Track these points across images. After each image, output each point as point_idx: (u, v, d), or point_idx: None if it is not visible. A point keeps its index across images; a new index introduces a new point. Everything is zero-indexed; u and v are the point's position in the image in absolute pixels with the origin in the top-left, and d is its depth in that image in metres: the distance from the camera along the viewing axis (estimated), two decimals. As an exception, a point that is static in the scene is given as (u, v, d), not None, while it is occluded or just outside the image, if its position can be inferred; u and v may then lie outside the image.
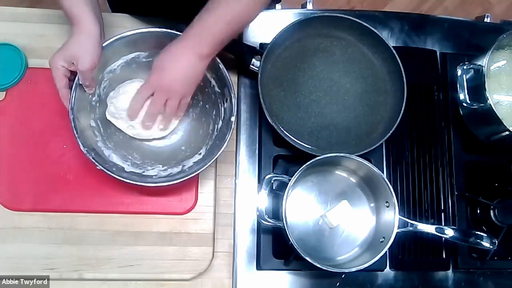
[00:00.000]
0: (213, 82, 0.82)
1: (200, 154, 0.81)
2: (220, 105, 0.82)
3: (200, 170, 0.75)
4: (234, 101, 0.77)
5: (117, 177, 0.72)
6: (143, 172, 0.79)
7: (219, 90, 0.81)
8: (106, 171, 0.72)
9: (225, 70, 0.78)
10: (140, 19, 0.90)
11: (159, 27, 0.77)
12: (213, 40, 0.70)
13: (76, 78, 0.73)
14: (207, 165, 0.75)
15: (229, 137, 0.75)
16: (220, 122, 0.81)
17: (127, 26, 0.88)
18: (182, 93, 0.73)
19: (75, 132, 0.72)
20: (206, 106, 0.84)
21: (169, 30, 0.76)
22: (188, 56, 0.70)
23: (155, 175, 0.79)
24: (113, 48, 0.76)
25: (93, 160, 0.72)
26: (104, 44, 0.75)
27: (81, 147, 0.72)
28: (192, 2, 0.70)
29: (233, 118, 0.77)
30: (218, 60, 0.77)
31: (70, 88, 0.73)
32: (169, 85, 0.72)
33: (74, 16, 0.71)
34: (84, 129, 0.76)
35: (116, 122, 0.80)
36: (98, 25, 0.72)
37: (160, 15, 0.86)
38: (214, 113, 0.83)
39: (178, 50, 0.71)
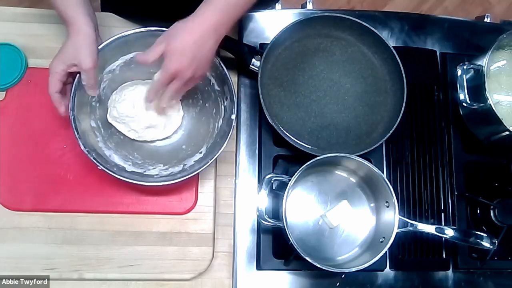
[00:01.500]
0: (212, 80, 0.82)
1: (201, 152, 0.81)
2: (220, 103, 0.82)
3: (201, 168, 0.75)
4: (234, 99, 0.77)
5: (118, 177, 0.72)
6: (145, 171, 0.79)
7: (218, 88, 0.81)
8: (108, 171, 0.72)
9: (225, 68, 0.78)
10: (130, 20, 0.89)
11: (157, 26, 0.76)
12: (234, 19, 0.68)
13: (76, 80, 0.73)
14: (208, 163, 0.75)
15: (230, 135, 0.75)
16: (221, 120, 0.81)
17: (117, 25, 0.87)
18: (199, 77, 0.72)
19: (76, 133, 0.72)
20: (206, 104, 0.84)
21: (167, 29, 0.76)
22: (213, 39, 0.67)
23: (156, 175, 0.79)
24: (111, 49, 0.76)
25: (94, 161, 0.72)
26: (102, 45, 0.74)
27: (82, 148, 0.72)
28: (183, 5, 0.70)
29: (233, 116, 0.77)
30: (218, 59, 0.77)
31: (70, 90, 0.73)
32: (191, 74, 0.69)
33: (68, 18, 0.71)
34: (84, 130, 0.76)
35: (118, 126, 0.81)
36: (92, 26, 0.72)
37: (151, 16, 0.85)
38: (214, 111, 0.83)
39: (205, 32, 0.66)
